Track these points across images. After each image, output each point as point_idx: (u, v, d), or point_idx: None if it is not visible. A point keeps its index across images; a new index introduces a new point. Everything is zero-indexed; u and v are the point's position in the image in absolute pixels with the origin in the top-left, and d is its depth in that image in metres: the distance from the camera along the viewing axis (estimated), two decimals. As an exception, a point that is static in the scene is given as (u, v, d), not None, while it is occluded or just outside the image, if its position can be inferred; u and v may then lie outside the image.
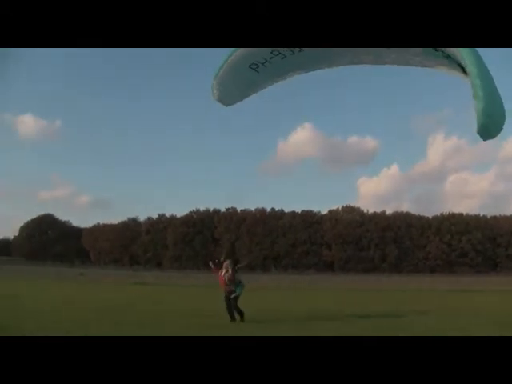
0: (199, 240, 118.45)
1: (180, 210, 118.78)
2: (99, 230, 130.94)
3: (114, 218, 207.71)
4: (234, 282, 14.85)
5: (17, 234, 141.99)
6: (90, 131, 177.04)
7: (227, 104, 7.25)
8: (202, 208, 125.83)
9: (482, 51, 3.80)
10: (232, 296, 14.64)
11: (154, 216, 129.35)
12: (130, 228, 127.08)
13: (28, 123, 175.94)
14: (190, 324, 14.03)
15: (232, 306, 14.65)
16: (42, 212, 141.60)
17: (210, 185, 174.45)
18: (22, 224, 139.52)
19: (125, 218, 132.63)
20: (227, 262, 15.21)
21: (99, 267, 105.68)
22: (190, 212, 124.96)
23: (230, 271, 14.96)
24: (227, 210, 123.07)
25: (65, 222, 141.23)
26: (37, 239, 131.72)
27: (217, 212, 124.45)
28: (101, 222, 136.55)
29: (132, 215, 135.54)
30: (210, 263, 15.79)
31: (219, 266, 15.40)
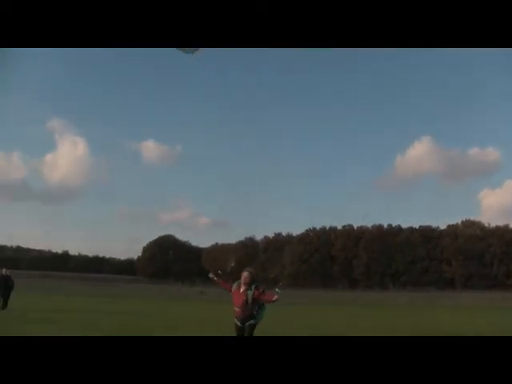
0: (316, 258, 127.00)
1: (296, 229, 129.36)
2: (218, 250, 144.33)
3: (232, 237, 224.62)
4: (257, 304, 9.79)
5: (140, 255, 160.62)
6: (207, 155, 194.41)
7: None
8: (318, 226, 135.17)
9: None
10: (248, 323, 9.75)
11: (271, 235, 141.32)
12: (248, 247, 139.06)
13: (150, 148, 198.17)
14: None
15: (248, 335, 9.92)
16: (163, 233, 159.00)
17: (326, 202, 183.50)
18: (145, 245, 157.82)
19: (242, 238, 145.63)
20: (247, 274, 9.76)
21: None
22: (307, 230, 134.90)
23: (258, 290, 9.67)
24: (344, 227, 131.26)
25: (185, 242, 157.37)
26: (158, 259, 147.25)
27: (333, 229, 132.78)
28: (219, 242, 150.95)
29: (249, 235, 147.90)
30: (211, 275, 10.60)
31: (228, 278, 10.67)
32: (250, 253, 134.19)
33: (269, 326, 21.45)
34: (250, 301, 9.45)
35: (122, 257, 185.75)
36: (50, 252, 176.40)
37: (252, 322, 9.64)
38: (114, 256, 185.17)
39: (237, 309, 9.66)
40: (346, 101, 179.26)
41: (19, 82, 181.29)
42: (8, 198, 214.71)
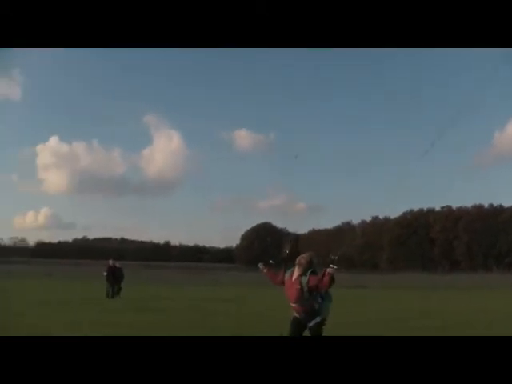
0: (414, 240, 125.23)
1: (393, 212, 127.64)
2: (315, 235, 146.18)
3: (329, 223, 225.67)
4: (319, 295, 7.66)
5: (238, 243, 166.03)
6: (301, 142, 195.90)
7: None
8: (415, 208, 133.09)
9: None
10: (312, 323, 7.60)
11: (368, 219, 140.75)
12: (345, 232, 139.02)
13: (243, 137, 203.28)
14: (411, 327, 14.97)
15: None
16: (260, 221, 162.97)
17: (423, 184, 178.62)
18: (243, 233, 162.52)
19: (339, 223, 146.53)
20: (305, 257, 7.72)
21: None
22: (404, 213, 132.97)
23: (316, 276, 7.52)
24: (442, 208, 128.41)
25: (282, 228, 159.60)
26: (256, 247, 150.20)
27: (431, 211, 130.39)
28: (316, 228, 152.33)
29: (346, 219, 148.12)
30: (261, 266, 8.60)
31: (278, 266, 8.46)
32: (347, 237, 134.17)
33: (368, 310, 22.71)
34: (305, 289, 7.42)
35: (221, 245, 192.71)
36: (152, 243, 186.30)
37: (318, 319, 7.56)
38: (213, 245, 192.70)
39: (293, 305, 7.67)
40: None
41: (115, 81, 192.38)
42: (112, 193, 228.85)
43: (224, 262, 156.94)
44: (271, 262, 8.89)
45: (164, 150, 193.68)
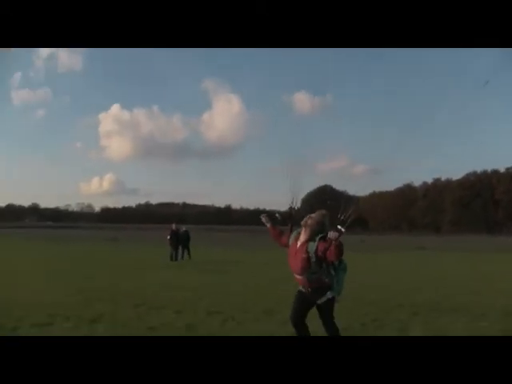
0: (478, 203, 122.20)
1: (456, 174, 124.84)
2: (376, 198, 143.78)
3: (390, 185, 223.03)
4: (331, 266, 6.31)
5: (299, 206, 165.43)
6: (359, 103, 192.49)
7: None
8: (478, 170, 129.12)
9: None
10: (322, 300, 6.32)
11: (429, 181, 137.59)
12: (406, 194, 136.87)
13: (302, 100, 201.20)
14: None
15: (325, 319, 6.43)
16: (320, 184, 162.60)
17: (487, 145, 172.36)
18: (303, 196, 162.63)
19: (400, 185, 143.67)
20: (315, 217, 6.39)
21: (378, 234, 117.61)
22: (467, 174, 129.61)
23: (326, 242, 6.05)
24: (507, 169, 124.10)
25: (342, 191, 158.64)
26: (316, 210, 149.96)
27: (495, 172, 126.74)
28: (377, 190, 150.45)
29: (407, 181, 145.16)
30: (264, 218, 7.11)
31: (283, 222, 7.09)
32: (408, 200, 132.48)
33: (427, 274, 22.42)
34: (313, 258, 5.97)
35: (282, 208, 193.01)
36: (213, 207, 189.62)
37: (328, 295, 6.18)
38: (273, 208, 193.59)
39: (298, 277, 6.28)
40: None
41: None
42: (173, 158, 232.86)
43: (285, 225, 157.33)
44: (277, 215, 7.44)
45: (224, 114, 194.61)
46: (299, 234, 6.45)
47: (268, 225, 7.06)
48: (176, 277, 18.84)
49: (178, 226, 29.19)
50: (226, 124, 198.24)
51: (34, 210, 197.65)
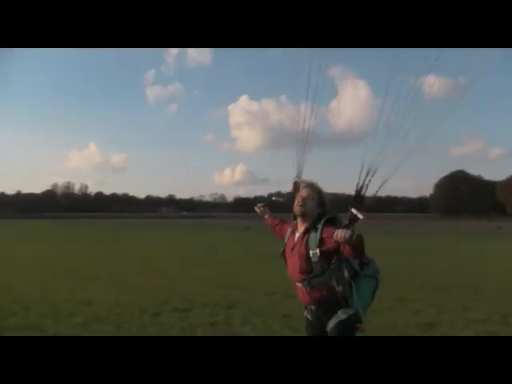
0: None
1: None
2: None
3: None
4: (345, 265, 4.07)
5: (432, 192, 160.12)
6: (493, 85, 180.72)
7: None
8: None
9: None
10: (332, 324, 4.05)
11: None
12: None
13: (432, 83, 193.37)
14: None
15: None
16: (454, 168, 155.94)
17: None
18: (437, 181, 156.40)
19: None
20: (304, 191, 4.39)
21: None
22: None
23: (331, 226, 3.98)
24: None
25: (477, 176, 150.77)
26: (451, 195, 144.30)
27: None
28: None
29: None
30: (258, 209, 5.20)
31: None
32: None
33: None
34: (315, 257, 4.01)
35: (414, 195, 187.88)
36: (344, 195, 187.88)
37: (340, 315, 4.01)
38: (406, 195, 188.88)
39: (298, 285, 4.21)
40: None
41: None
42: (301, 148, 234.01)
43: (418, 212, 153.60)
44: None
45: (351, 100, 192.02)
46: (296, 223, 4.39)
47: (266, 216, 5.09)
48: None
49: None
50: (354, 111, 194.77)
51: (171, 200, 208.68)
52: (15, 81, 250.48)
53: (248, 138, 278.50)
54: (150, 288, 12.21)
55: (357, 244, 3.59)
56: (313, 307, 4.19)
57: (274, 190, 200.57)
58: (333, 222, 4.05)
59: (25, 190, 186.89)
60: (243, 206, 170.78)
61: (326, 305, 4.09)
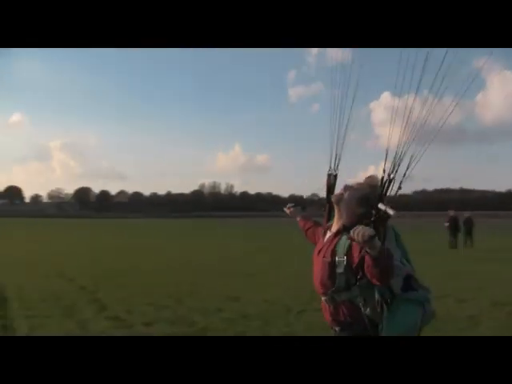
0: None
1: None
2: None
3: None
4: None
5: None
6: None
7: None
8: None
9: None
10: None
11: None
12: None
13: None
14: None
15: None
16: None
17: None
18: None
19: None
20: (366, 182, 3.58)
21: None
22: None
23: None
24: None
25: None
26: None
27: None
28: None
29: None
30: (288, 209, 4.61)
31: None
32: None
33: None
34: (340, 267, 3.33)
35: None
36: (494, 192, 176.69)
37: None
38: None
39: (323, 298, 3.53)
40: None
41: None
42: (448, 143, 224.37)
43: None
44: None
45: (499, 93, 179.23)
46: (331, 224, 3.70)
47: (298, 218, 4.48)
48: (457, 264, 18.17)
49: (456, 212, 27.99)
50: (503, 103, 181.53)
51: (314, 199, 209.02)
52: (165, 82, 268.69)
53: (391, 134, 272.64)
54: (298, 285, 12.31)
55: (380, 255, 2.84)
56: (336, 328, 3.45)
57: (419, 187, 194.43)
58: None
59: (175, 191, 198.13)
60: (396, 203, 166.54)
61: (349, 328, 3.36)
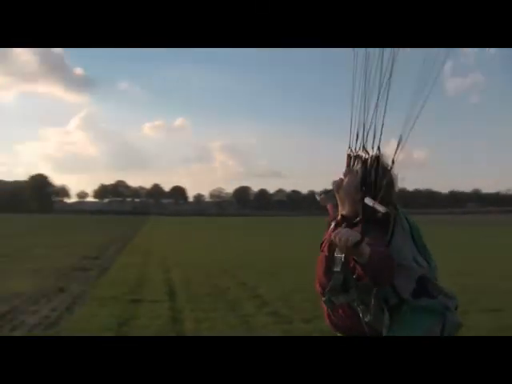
0: None
1: None
2: None
3: None
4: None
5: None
6: None
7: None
8: None
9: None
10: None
11: None
12: None
13: None
14: None
15: None
16: None
17: None
18: None
19: None
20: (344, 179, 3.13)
21: None
22: None
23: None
24: None
25: None
26: None
27: None
28: None
29: None
30: (319, 196, 3.75)
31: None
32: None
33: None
34: (337, 265, 2.85)
35: None
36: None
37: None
38: None
39: (317, 288, 3.16)
40: None
41: None
42: None
43: None
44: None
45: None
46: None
47: (328, 207, 3.61)
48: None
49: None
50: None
51: (475, 195, 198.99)
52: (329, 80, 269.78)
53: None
54: (459, 286, 11.75)
55: (370, 260, 2.41)
56: (338, 334, 3.03)
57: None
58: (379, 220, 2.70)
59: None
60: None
61: (349, 335, 2.95)
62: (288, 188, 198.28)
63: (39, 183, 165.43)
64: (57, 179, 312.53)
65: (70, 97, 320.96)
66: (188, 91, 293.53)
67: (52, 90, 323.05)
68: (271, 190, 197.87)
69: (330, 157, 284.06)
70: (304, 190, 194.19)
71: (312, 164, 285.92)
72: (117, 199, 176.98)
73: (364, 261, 2.40)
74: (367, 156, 2.86)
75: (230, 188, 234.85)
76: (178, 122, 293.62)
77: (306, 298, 10.17)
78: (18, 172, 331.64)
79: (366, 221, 2.60)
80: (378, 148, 2.77)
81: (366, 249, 2.38)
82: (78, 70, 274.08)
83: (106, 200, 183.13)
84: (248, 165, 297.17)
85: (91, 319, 8.34)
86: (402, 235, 2.82)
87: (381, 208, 2.57)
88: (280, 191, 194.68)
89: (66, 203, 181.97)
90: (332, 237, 2.41)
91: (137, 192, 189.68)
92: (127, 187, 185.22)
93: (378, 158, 2.76)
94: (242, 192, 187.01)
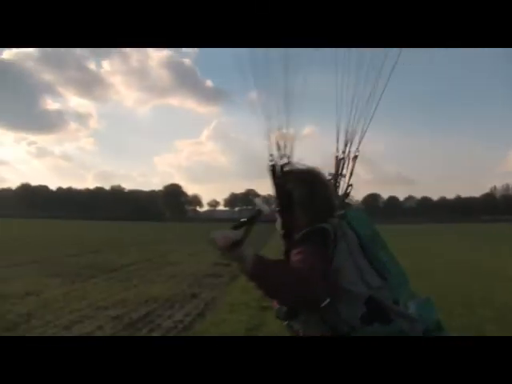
0: None
1: None
2: None
3: None
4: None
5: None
6: None
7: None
8: None
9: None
10: None
11: None
12: None
13: None
14: None
15: None
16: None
17: None
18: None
19: None
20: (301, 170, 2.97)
21: None
22: None
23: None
24: None
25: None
26: None
27: None
28: None
29: None
30: (258, 200, 2.73)
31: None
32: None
33: None
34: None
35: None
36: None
37: None
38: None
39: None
40: None
41: None
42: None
43: None
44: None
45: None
46: None
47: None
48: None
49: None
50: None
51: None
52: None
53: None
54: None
55: (256, 272, 2.16)
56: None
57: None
58: (313, 237, 2.45)
59: (464, 194, 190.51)
60: None
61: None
62: (418, 195, 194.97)
63: (173, 192, 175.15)
64: (189, 189, 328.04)
65: (201, 108, 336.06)
66: (315, 98, 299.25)
67: (184, 103, 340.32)
68: (401, 197, 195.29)
69: (461, 161, 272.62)
70: (435, 197, 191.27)
71: (443, 169, 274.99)
72: (247, 207, 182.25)
73: (248, 268, 2.17)
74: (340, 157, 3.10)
75: (359, 195, 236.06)
76: (307, 130, 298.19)
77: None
78: (156, 182, 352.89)
79: (306, 232, 2.46)
80: (288, 156, 2.86)
81: (248, 254, 2.16)
82: (208, 82, 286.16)
83: (237, 208, 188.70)
84: (377, 172, 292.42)
85: (221, 324, 8.72)
86: (344, 251, 2.50)
87: (267, 208, 2.55)
88: (410, 198, 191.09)
89: (198, 212, 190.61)
90: (210, 235, 2.21)
91: (267, 200, 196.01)
92: (257, 195, 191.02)
93: (282, 167, 2.77)
94: (372, 199, 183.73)
